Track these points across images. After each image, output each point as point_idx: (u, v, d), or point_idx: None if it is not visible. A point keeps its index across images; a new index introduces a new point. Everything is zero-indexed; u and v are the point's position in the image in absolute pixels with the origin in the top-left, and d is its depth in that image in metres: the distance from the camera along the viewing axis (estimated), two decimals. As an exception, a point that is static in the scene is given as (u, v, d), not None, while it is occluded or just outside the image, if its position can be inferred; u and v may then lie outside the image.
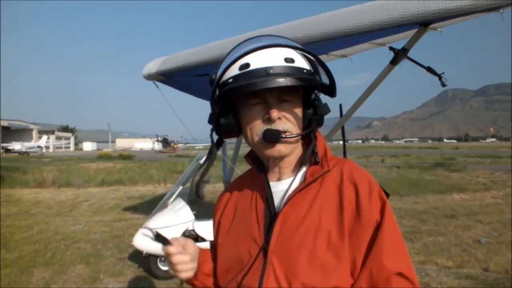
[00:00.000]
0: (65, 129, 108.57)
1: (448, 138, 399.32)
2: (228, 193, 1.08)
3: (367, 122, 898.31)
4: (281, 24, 2.29)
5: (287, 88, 0.85)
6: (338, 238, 0.81)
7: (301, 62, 0.88)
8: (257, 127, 0.90)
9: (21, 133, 65.18)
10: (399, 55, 2.15)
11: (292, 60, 0.85)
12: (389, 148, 73.64)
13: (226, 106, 0.93)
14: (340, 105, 2.97)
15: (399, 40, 2.58)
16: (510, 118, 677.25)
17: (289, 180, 0.95)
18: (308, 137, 0.96)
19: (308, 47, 2.17)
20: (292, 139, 0.90)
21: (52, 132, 77.78)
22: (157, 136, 62.56)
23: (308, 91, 0.95)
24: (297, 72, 0.85)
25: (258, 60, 0.84)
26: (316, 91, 0.95)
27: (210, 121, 0.97)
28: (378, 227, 0.82)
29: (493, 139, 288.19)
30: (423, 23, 1.86)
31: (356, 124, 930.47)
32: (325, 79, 0.92)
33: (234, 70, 0.86)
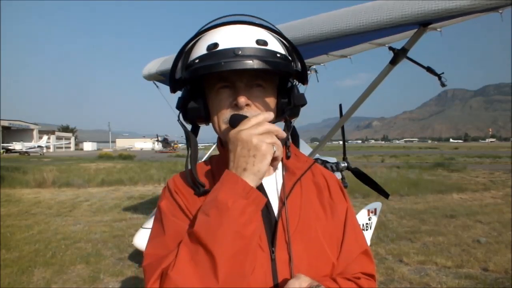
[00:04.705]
0: (66, 129, 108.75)
1: (452, 139, 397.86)
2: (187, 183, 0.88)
3: (367, 122, 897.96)
4: (281, 24, 2.30)
5: (259, 72, 0.79)
6: (326, 225, 0.87)
7: (275, 45, 0.81)
8: (224, 114, 0.82)
9: (22, 133, 65.24)
10: (399, 55, 2.16)
11: (264, 43, 0.79)
12: (389, 148, 73.65)
13: (196, 90, 0.87)
14: (340, 105, 2.99)
15: (399, 40, 2.58)
16: (510, 118, 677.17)
17: (269, 175, 0.87)
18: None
19: (308, 47, 2.19)
20: None
21: (53, 132, 77.89)
22: (157, 136, 62.55)
23: (284, 79, 0.89)
24: (268, 55, 0.78)
25: (227, 41, 0.77)
26: (292, 79, 0.90)
27: (178, 106, 0.89)
28: (346, 211, 0.91)
29: (493, 139, 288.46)
30: (423, 23, 1.86)
31: (356, 124, 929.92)
32: (299, 66, 0.87)
33: (201, 50, 0.80)
